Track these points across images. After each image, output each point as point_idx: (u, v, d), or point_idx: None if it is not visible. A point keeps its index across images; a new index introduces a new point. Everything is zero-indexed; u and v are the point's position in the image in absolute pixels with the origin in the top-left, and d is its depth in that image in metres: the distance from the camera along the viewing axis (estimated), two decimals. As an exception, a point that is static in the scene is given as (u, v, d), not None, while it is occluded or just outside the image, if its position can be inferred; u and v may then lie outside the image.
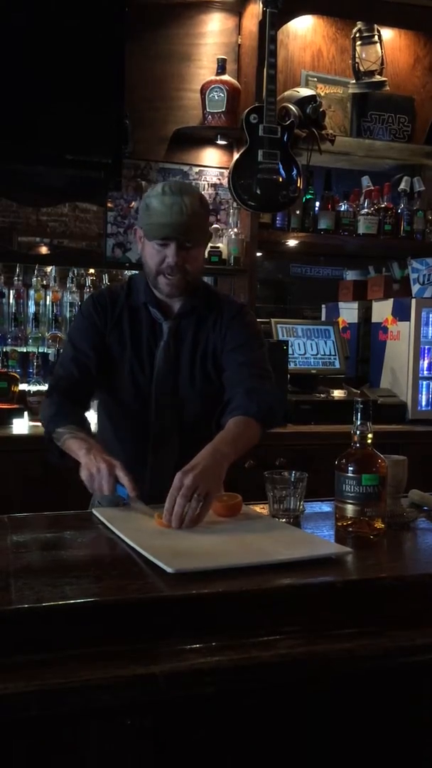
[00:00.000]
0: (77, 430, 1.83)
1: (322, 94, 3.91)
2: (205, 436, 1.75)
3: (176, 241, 1.83)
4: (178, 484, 1.55)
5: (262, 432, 1.83)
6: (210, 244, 3.58)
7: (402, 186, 4.01)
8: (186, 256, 1.86)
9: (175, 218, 1.80)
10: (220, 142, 3.75)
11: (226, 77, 3.65)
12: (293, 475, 1.69)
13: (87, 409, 2.01)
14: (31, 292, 3.51)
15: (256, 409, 1.80)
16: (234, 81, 3.68)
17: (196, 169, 3.80)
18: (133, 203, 3.65)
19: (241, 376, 1.89)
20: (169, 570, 1.27)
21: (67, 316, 3.52)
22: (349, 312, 4.16)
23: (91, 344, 1.95)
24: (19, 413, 3.18)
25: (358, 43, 3.91)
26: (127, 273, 3.65)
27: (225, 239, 3.66)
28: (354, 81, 3.95)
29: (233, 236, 3.64)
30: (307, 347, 3.76)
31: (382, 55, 3.92)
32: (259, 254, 3.96)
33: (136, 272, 2.12)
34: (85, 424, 1.92)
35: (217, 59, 3.67)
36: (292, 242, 4.03)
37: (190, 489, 1.53)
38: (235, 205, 3.66)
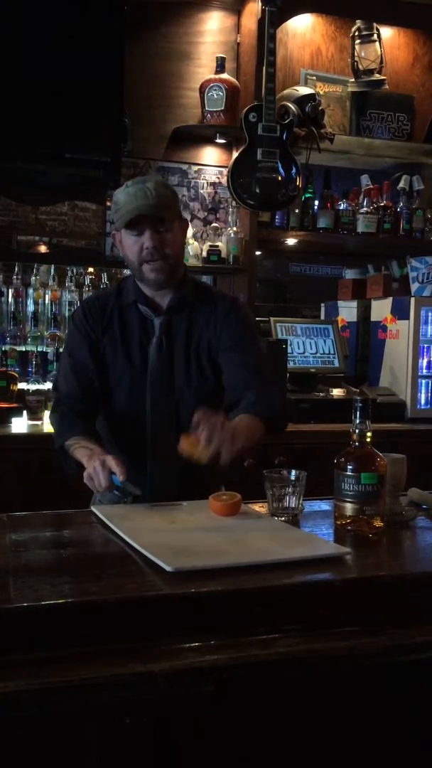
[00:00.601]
0: (82, 439, 1.85)
1: (322, 92, 3.91)
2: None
3: (148, 223, 1.85)
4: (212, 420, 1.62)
5: (264, 434, 1.85)
6: (209, 243, 3.59)
7: (401, 184, 4.01)
8: (162, 239, 1.88)
9: (140, 201, 1.83)
10: (219, 140, 3.75)
11: (225, 76, 3.65)
12: (292, 473, 1.69)
13: (95, 416, 2.01)
14: (30, 290, 3.51)
15: (268, 413, 1.84)
16: (233, 79, 3.67)
17: (195, 168, 3.80)
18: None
19: (244, 379, 1.91)
20: (168, 568, 1.26)
21: (66, 315, 3.51)
22: (348, 311, 4.16)
23: (88, 353, 1.96)
24: (18, 412, 3.19)
25: (357, 41, 3.91)
26: (126, 272, 3.64)
27: (224, 238, 3.65)
28: (353, 79, 3.95)
29: (232, 235, 3.64)
30: (307, 346, 3.76)
31: (381, 54, 3.92)
32: (258, 253, 3.96)
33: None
34: (91, 431, 1.92)
35: (216, 58, 3.67)
36: (291, 241, 4.03)
37: (221, 425, 1.62)
38: (234, 203, 3.66)
